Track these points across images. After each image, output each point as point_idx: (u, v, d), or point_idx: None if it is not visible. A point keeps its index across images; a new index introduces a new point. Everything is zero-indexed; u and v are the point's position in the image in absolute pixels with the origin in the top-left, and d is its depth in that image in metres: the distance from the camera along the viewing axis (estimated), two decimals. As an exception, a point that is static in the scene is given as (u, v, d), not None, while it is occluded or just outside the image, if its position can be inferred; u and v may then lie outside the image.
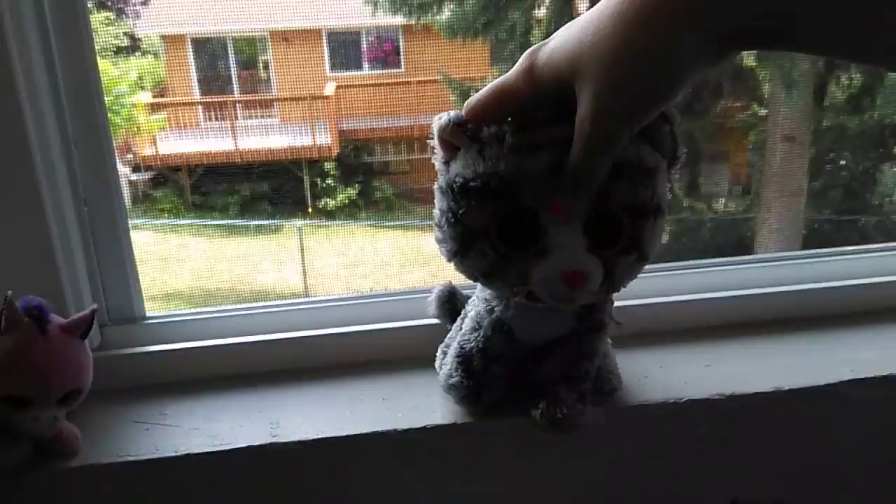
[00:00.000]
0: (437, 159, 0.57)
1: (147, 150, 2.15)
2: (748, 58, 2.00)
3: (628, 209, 0.53)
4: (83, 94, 0.70)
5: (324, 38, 2.20)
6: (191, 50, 2.12)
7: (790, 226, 2.21)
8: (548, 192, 0.51)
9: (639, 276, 0.58)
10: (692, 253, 2.43)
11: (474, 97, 0.55)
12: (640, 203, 0.53)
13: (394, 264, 2.41)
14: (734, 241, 2.45)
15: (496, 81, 0.54)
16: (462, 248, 0.55)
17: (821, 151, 2.27)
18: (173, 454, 0.64)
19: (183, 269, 2.15)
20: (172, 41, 2.12)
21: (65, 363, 0.59)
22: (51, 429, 0.59)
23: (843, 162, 2.33)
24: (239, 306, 0.80)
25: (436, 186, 0.57)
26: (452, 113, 0.54)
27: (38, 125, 0.66)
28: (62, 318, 0.61)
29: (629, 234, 0.54)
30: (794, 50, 0.45)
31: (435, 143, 0.56)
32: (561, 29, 0.50)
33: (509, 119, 0.53)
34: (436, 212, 0.57)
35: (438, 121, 0.55)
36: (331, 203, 2.34)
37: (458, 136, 0.54)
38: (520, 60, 0.52)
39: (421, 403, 0.69)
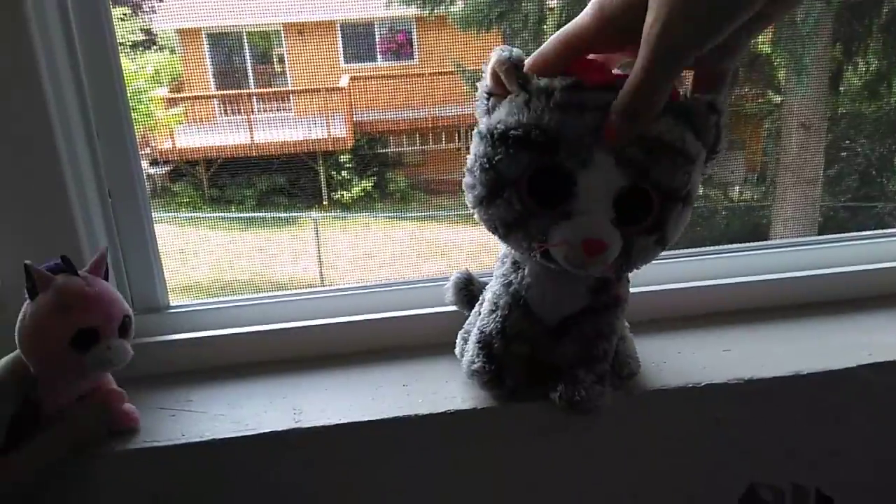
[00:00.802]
0: (479, 105, 0.57)
1: (165, 145, 2.17)
2: (763, 44, 1.98)
3: (662, 190, 0.53)
4: (106, 86, 0.71)
5: (337, 30, 2.20)
6: (206, 44, 2.13)
7: (806, 213, 2.19)
8: (586, 154, 0.51)
9: (657, 261, 0.58)
10: (708, 242, 2.42)
11: (537, 51, 0.54)
12: (675, 187, 0.53)
13: (409, 255, 2.41)
14: (750, 228, 2.43)
15: (561, 30, 0.53)
16: (490, 194, 0.55)
17: (836, 138, 2.26)
18: (199, 439, 0.65)
19: (201, 262, 2.16)
20: (188, 35, 2.13)
21: (108, 293, 0.61)
22: (125, 355, 0.61)
23: (858, 149, 2.31)
24: (261, 295, 0.81)
25: (475, 132, 0.56)
26: (515, 52, 0.53)
27: (62, 118, 0.67)
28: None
29: (656, 216, 0.54)
30: None
31: (486, 73, 0.55)
32: None
33: (563, 76, 0.52)
34: (470, 157, 0.57)
35: (500, 52, 0.53)
36: (346, 195, 2.35)
37: (511, 78, 0.53)
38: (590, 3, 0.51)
39: (441, 389, 0.70)
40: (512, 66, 0.53)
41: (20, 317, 0.59)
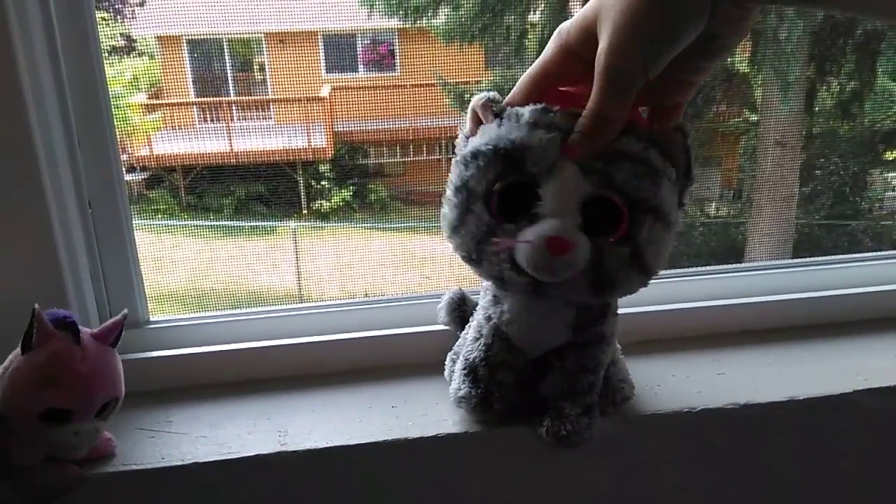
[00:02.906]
0: (460, 138, 0.60)
1: (142, 151, 2.14)
2: (741, 63, 2.01)
3: (629, 199, 0.53)
4: (89, 94, 0.69)
5: (319, 40, 2.19)
6: (186, 51, 2.11)
7: (781, 231, 2.22)
8: (551, 163, 0.53)
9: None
10: (684, 257, 2.44)
11: (510, 94, 0.58)
12: (641, 196, 0.53)
13: (388, 266, 2.41)
14: (726, 245, 2.46)
15: (528, 70, 0.57)
16: (461, 215, 0.56)
17: (812, 157, 2.29)
18: (180, 463, 0.63)
19: (177, 270, 2.14)
20: (168, 42, 2.11)
21: (104, 371, 0.58)
22: (92, 441, 0.59)
23: (832, 167, 2.35)
24: (244, 311, 0.79)
25: (453, 161, 0.58)
26: (492, 93, 0.57)
27: (42, 126, 0.65)
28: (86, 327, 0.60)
29: (626, 228, 0.54)
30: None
31: (467, 118, 0.59)
32: None
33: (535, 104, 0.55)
34: (447, 188, 0.58)
35: (479, 95, 0.57)
36: (325, 205, 2.33)
37: (486, 110, 0.56)
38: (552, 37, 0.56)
39: (430, 411, 0.69)
40: (488, 102, 0.57)
41: (6, 363, 0.57)
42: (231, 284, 2.29)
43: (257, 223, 2.34)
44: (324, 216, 2.33)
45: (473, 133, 0.58)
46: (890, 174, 2.37)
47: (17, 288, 0.58)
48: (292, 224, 2.34)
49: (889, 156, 2.32)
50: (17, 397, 0.56)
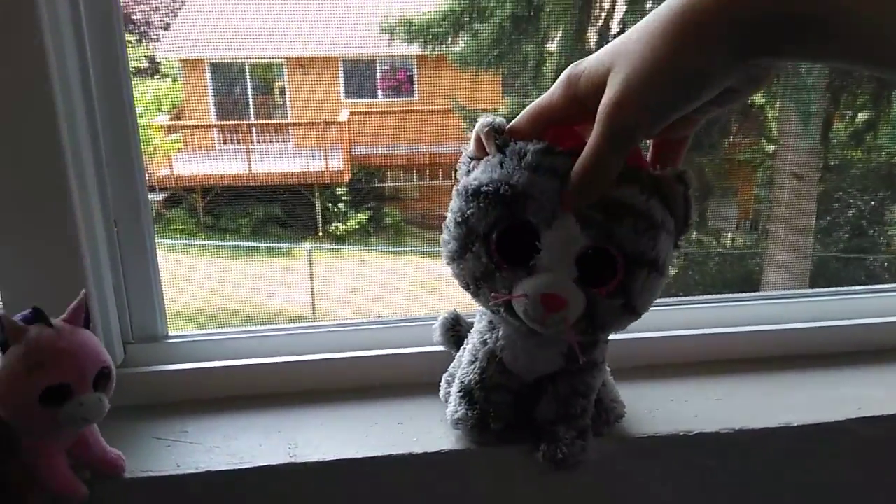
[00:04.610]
0: (461, 167, 0.60)
1: (162, 171, 2.18)
2: (757, 95, 2.02)
3: (626, 252, 0.54)
4: (117, 115, 0.72)
5: (339, 65, 2.22)
6: (209, 74, 2.15)
7: (798, 262, 2.21)
8: (551, 213, 0.53)
9: (653, 308, 0.59)
10: (699, 287, 2.44)
11: (514, 120, 0.57)
12: (640, 251, 0.54)
13: (402, 289, 2.42)
14: (742, 276, 2.45)
15: (534, 102, 0.56)
16: (461, 248, 0.57)
17: (829, 188, 2.29)
18: (194, 471, 0.65)
19: (193, 289, 2.15)
20: (191, 65, 2.15)
21: (85, 343, 0.58)
22: (100, 411, 0.58)
23: (850, 200, 2.34)
24: (259, 328, 0.82)
25: (454, 190, 0.59)
26: (497, 119, 0.57)
27: (73, 143, 0.68)
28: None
29: (620, 280, 0.55)
30: (821, 58, 0.47)
31: (471, 140, 0.59)
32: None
33: (538, 140, 0.55)
34: (448, 213, 0.59)
35: (484, 118, 0.57)
36: (341, 227, 2.36)
37: (490, 140, 0.57)
38: (561, 75, 0.54)
39: (435, 428, 0.71)
40: (492, 130, 0.56)
41: None
42: (246, 304, 2.32)
43: (273, 244, 2.36)
44: (339, 239, 2.36)
45: (477, 155, 0.59)
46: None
47: (43, 300, 0.60)
48: (308, 246, 2.36)
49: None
50: (11, 392, 0.56)
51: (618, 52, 0.49)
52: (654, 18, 0.47)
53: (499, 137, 0.56)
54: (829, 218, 2.33)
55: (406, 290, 2.40)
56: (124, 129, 0.73)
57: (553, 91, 0.55)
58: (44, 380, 0.55)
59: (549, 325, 0.55)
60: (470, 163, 0.60)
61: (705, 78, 0.46)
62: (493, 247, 0.56)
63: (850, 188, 2.33)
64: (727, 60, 0.45)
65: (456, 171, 0.61)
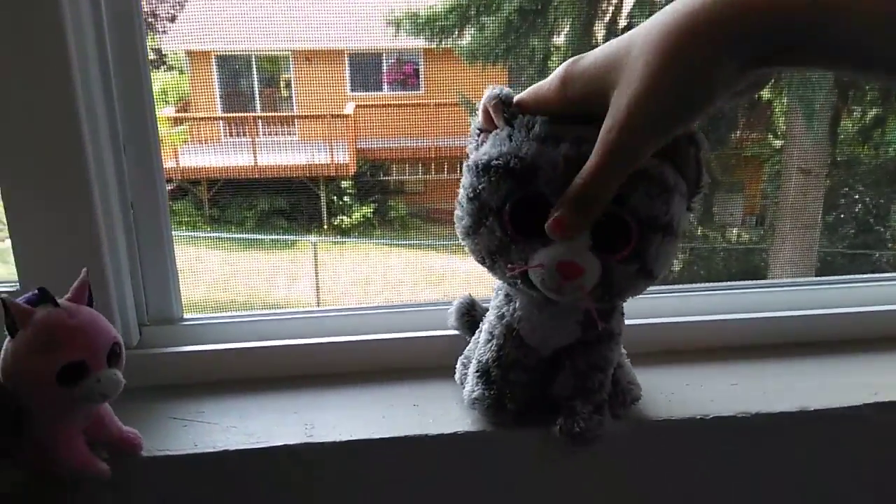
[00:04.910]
0: (471, 141, 0.61)
1: (168, 163, 2.18)
2: (764, 90, 2.02)
3: (640, 219, 0.54)
4: (135, 101, 0.72)
5: (346, 58, 2.23)
6: (215, 66, 2.15)
7: (804, 257, 2.21)
8: (562, 182, 0.52)
9: (670, 293, 0.59)
10: (706, 282, 2.44)
11: (521, 94, 0.57)
12: (653, 215, 0.54)
13: (406, 282, 2.42)
14: (748, 271, 2.45)
15: (535, 84, 0.56)
16: (475, 223, 0.57)
17: (836, 184, 2.29)
18: (211, 450, 0.66)
19: (198, 281, 2.16)
20: (197, 57, 2.15)
21: (93, 321, 0.59)
22: (117, 385, 0.58)
23: (857, 196, 2.34)
24: (275, 311, 0.82)
25: (465, 165, 0.59)
26: (505, 90, 0.57)
27: (91, 127, 0.68)
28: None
29: (635, 245, 0.55)
30: (822, 65, 0.46)
31: (479, 111, 0.59)
32: (604, 44, 0.52)
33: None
34: (460, 189, 0.59)
35: (491, 90, 0.57)
36: (346, 220, 2.36)
37: (498, 112, 0.57)
38: (557, 69, 0.54)
39: (451, 410, 0.71)
40: (500, 103, 0.56)
41: (2, 354, 0.57)
42: (251, 296, 2.32)
43: (278, 237, 2.37)
44: (344, 231, 2.36)
45: (485, 127, 0.59)
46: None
47: (61, 281, 0.60)
48: (313, 238, 2.37)
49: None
50: (29, 373, 0.56)
51: (618, 66, 0.48)
52: (652, 31, 0.47)
53: (507, 110, 0.56)
54: (835, 214, 2.33)
55: (410, 284, 2.41)
56: (141, 115, 0.73)
57: (549, 84, 0.55)
58: (60, 359, 0.55)
59: (567, 294, 0.55)
60: (479, 136, 0.60)
61: (708, 93, 0.46)
62: (507, 219, 0.56)
63: (858, 184, 2.33)
64: (729, 73, 0.45)
65: (467, 145, 0.61)
